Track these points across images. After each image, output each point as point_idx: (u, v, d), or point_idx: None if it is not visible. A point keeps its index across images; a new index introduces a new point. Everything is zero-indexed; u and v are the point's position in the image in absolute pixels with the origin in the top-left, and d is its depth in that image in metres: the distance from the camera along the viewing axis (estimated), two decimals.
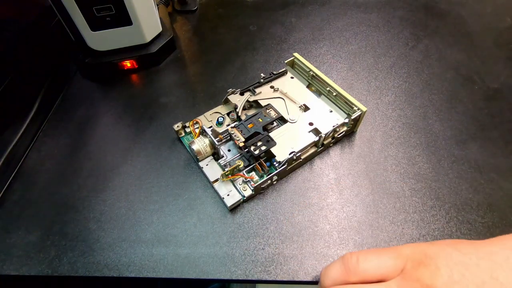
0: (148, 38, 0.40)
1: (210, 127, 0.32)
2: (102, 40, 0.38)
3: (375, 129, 0.33)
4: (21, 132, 0.34)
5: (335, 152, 0.32)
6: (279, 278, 0.24)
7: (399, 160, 0.31)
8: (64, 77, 0.41)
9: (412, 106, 0.33)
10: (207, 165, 0.30)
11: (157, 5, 0.44)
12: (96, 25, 0.36)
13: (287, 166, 0.28)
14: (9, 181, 0.31)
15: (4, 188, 0.30)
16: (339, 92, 0.32)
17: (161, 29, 0.42)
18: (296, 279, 0.24)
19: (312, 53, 0.42)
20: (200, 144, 0.29)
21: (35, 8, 0.41)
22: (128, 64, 0.40)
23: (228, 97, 0.33)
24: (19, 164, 0.32)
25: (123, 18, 0.36)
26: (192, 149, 0.29)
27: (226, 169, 0.28)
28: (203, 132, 0.31)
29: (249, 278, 0.24)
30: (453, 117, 0.33)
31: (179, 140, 0.33)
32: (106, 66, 0.40)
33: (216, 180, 0.29)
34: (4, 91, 0.34)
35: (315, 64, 0.40)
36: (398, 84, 0.37)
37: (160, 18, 0.42)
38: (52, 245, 0.27)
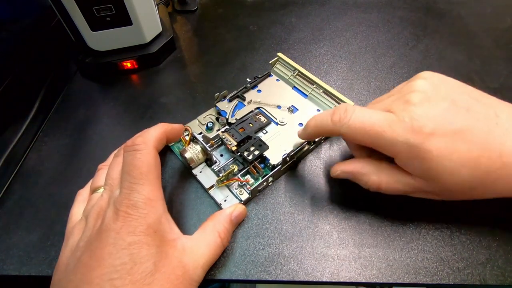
0: (148, 38, 0.40)
1: (200, 133, 0.31)
2: (102, 40, 0.38)
3: None
4: (21, 132, 0.34)
5: (335, 153, 0.32)
6: (279, 278, 0.24)
7: None
8: (64, 77, 0.41)
9: None
10: (200, 172, 0.30)
11: (157, 5, 0.44)
12: (96, 25, 0.36)
13: (282, 167, 0.28)
14: (9, 181, 0.31)
15: (4, 188, 0.30)
16: (325, 89, 0.32)
17: (161, 29, 0.42)
18: (296, 279, 0.24)
19: (312, 53, 0.42)
20: (192, 152, 0.29)
21: (35, 8, 0.41)
22: (128, 64, 0.40)
23: (217, 104, 0.33)
24: (19, 164, 0.32)
25: (123, 18, 0.36)
26: (185, 157, 0.29)
27: (221, 175, 0.28)
28: (193, 139, 0.30)
29: (249, 278, 0.24)
30: None
31: (169, 148, 0.32)
32: (106, 66, 0.40)
33: (212, 187, 0.29)
34: (4, 91, 0.34)
35: (315, 64, 0.40)
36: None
37: (160, 18, 0.42)
38: (52, 245, 0.27)
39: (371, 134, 0.22)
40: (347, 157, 0.31)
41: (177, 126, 0.28)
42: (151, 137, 0.25)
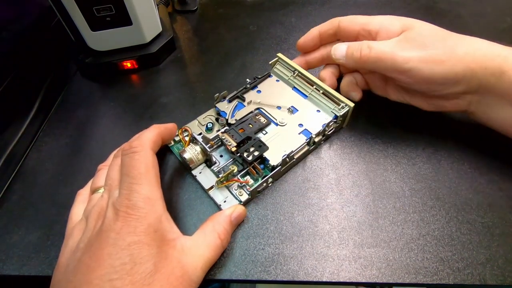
0: (148, 38, 0.40)
1: (200, 134, 0.31)
2: (102, 40, 0.38)
3: (376, 128, 0.33)
4: (21, 132, 0.34)
5: (335, 152, 0.32)
6: (279, 278, 0.24)
7: (399, 160, 0.31)
8: (64, 77, 0.41)
9: (412, 106, 0.33)
10: (200, 173, 0.29)
11: (157, 5, 0.44)
12: (96, 25, 0.36)
13: (281, 168, 0.28)
14: (9, 181, 0.31)
15: (4, 188, 0.30)
16: (325, 90, 0.32)
17: (161, 29, 0.42)
18: (296, 279, 0.24)
19: None
20: (191, 152, 0.29)
21: (35, 8, 0.41)
22: (128, 64, 0.40)
23: (216, 104, 0.33)
24: (19, 164, 0.32)
25: (123, 18, 0.36)
26: (184, 158, 0.29)
27: (221, 175, 0.28)
28: (193, 140, 0.30)
29: (249, 278, 0.24)
30: (453, 116, 0.33)
31: (168, 148, 0.32)
32: (106, 66, 0.40)
33: (211, 187, 0.29)
34: (4, 91, 0.34)
35: None
36: None
37: (160, 18, 0.42)
38: (52, 245, 0.27)
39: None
40: (346, 157, 0.31)
41: (170, 126, 0.29)
42: (147, 139, 0.25)
